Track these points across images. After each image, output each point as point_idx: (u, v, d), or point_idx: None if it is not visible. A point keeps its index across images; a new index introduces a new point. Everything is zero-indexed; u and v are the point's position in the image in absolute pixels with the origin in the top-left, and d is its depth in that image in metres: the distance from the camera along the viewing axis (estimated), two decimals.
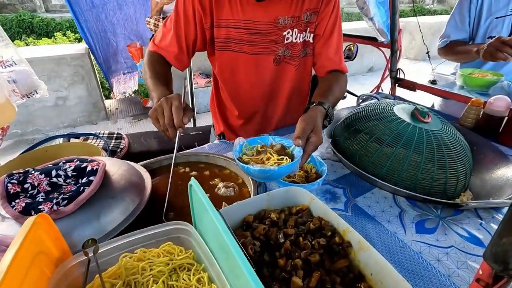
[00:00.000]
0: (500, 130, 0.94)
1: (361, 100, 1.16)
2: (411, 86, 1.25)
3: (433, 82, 1.25)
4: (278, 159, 0.67)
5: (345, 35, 1.95)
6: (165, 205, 0.66)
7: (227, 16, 0.90)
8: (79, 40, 5.72)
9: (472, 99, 0.99)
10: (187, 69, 1.88)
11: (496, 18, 1.24)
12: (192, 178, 0.44)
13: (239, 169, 0.82)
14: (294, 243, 0.50)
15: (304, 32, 0.97)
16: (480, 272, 0.31)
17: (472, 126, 1.01)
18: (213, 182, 0.79)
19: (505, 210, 0.65)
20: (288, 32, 0.95)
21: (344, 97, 1.84)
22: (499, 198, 0.69)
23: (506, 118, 0.92)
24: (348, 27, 5.00)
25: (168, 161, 0.87)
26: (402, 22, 5.32)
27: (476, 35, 1.35)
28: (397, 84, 1.29)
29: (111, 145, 1.14)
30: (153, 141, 1.27)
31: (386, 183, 0.72)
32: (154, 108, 0.72)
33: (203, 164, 0.88)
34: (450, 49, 1.36)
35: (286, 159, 0.67)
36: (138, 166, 0.77)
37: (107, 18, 2.81)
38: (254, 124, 1.14)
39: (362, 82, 4.84)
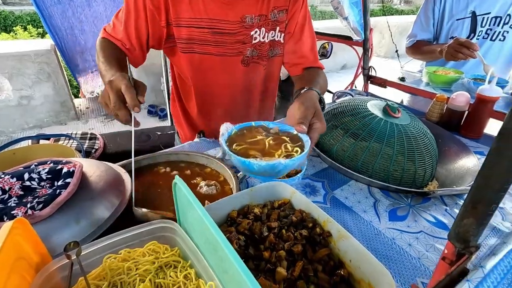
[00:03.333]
0: (461, 124, 1.02)
1: (336, 97, 1.20)
2: (382, 83, 1.31)
3: (402, 79, 1.33)
4: (286, 151, 0.60)
5: (319, 33, 2.01)
6: (133, 196, 0.64)
7: (188, 14, 0.85)
8: (43, 35, 5.36)
9: (437, 95, 1.06)
10: (162, 65, 1.84)
11: (457, 20, 1.34)
12: (176, 176, 0.45)
13: (221, 167, 0.82)
14: (278, 236, 0.51)
15: (272, 31, 0.94)
16: (446, 252, 0.35)
17: (437, 120, 1.08)
18: (195, 181, 0.79)
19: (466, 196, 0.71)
20: (256, 32, 0.92)
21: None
22: (461, 186, 0.75)
23: (466, 112, 1.00)
24: (322, 25, 5.11)
25: (147, 161, 0.86)
26: (372, 21, 5.54)
27: (439, 35, 1.44)
28: (369, 81, 1.35)
29: (85, 146, 1.09)
30: (129, 141, 1.23)
31: (362, 176, 0.76)
32: (102, 94, 0.68)
33: (183, 163, 0.87)
34: (416, 49, 1.45)
35: (296, 150, 0.60)
36: (116, 167, 0.75)
37: (74, 15, 2.66)
38: (219, 121, 1.10)
39: (336, 79, 4.98)
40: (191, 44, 0.89)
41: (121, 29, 0.86)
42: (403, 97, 1.55)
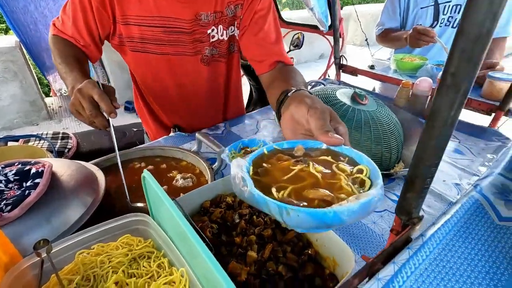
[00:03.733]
0: (425, 107, 1.08)
1: (310, 87, 1.23)
2: (353, 71, 1.36)
3: (372, 67, 1.38)
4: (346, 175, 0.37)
5: (291, 23, 2.03)
6: (127, 193, 0.65)
7: (136, 12, 0.81)
8: (6, 31, 5.05)
9: (402, 82, 1.12)
10: None
11: (421, 8, 1.40)
12: (145, 170, 0.46)
13: (196, 160, 0.83)
14: (249, 222, 0.54)
15: (232, 27, 0.91)
16: (394, 224, 0.38)
17: (404, 106, 1.14)
18: (171, 174, 0.80)
19: None
20: (213, 30, 0.88)
21: None
22: None
23: (429, 97, 1.06)
24: (295, 15, 5.12)
25: (122, 158, 0.85)
26: (348, 10, 5.61)
27: (406, 23, 1.50)
28: (341, 70, 1.39)
29: (57, 146, 1.07)
30: (104, 139, 1.22)
31: None
32: (72, 102, 0.67)
33: (159, 158, 0.88)
34: (384, 37, 1.50)
35: (359, 169, 0.39)
36: (89, 165, 0.75)
37: (37, 9, 2.53)
38: (190, 125, 1.08)
39: (314, 69, 5.04)
40: (144, 44, 0.86)
41: (70, 25, 0.82)
42: (375, 85, 1.61)
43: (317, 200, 0.33)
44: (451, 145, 0.97)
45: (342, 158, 0.42)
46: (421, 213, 0.36)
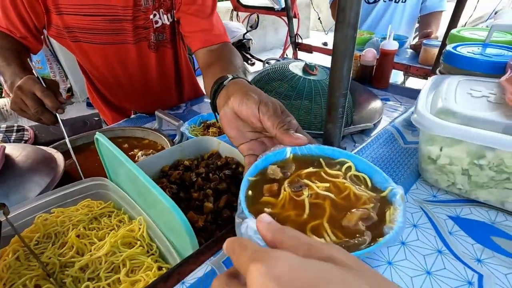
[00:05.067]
0: (372, 76, 1.17)
1: (267, 64, 1.28)
2: (308, 49, 1.42)
3: (325, 43, 1.46)
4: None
5: (249, 6, 2.06)
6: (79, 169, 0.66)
7: (69, 1, 0.77)
8: None
9: None
10: None
11: None
12: (97, 132, 0.48)
13: (158, 137, 0.85)
14: (205, 179, 0.58)
15: (174, 10, 0.90)
16: None
17: (354, 76, 1.23)
18: (132, 152, 0.82)
19: (373, 132, 0.85)
20: (155, 15, 0.87)
21: (253, 64, 1.98)
22: None
23: (374, 66, 1.15)
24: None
25: (82, 140, 0.86)
26: None
27: None
28: (297, 48, 1.45)
29: (12, 138, 1.03)
30: (64, 128, 1.19)
31: None
32: (13, 100, 0.65)
33: (120, 139, 0.89)
34: (334, 7, 1.58)
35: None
36: (47, 148, 0.75)
37: None
38: (147, 111, 1.05)
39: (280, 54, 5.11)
40: (85, 34, 0.84)
41: (2, 17, 0.78)
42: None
43: (360, 221, 0.31)
44: (396, 107, 1.07)
45: (321, 161, 0.38)
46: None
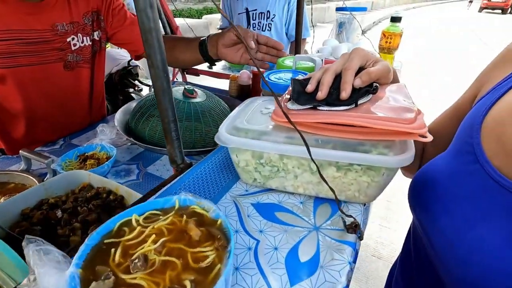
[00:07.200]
0: (250, 94, 1.35)
1: (153, 90, 1.32)
2: (196, 72, 1.52)
3: (210, 67, 1.58)
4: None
5: None
6: None
7: None
8: None
9: (230, 76, 1.35)
10: None
11: (238, 14, 1.70)
12: None
13: (26, 178, 0.78)
14: (73, 213, 0.58)
15: (95, 32, 0.97)
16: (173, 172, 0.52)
17: (236, 94, 1.38)
18: None
19: None
20: (73, 38, 0.92)
21: (140, 90, 1.98)
22: None
23: (250, 85, 1.33)
24: None
25: None
26: (207, 19, 5.95)
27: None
28: (185, 72, 1.54)
29: None
30: None
31: None
32: None
33: None
34: None
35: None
36: None
37: None
38: (48, 130, 1.02)
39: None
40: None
41: None
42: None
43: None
44: None
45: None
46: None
